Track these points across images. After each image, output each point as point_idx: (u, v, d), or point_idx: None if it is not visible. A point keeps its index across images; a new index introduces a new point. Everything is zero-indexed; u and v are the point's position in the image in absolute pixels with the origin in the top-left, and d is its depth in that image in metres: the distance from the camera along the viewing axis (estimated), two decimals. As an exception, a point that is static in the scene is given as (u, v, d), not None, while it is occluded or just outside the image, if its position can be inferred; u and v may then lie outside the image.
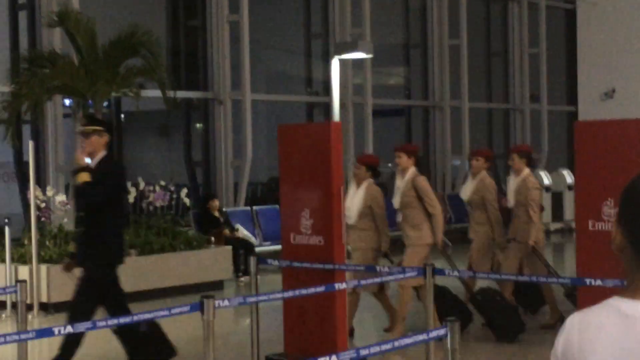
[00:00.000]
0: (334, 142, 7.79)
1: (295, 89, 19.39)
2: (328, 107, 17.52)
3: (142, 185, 12.85)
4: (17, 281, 6.60)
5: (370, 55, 16.27)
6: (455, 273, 7.96)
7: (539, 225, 9.60)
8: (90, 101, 12.58)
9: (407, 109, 20.88)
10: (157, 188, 12.73)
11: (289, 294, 7.19)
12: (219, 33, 16.25)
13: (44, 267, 11.16)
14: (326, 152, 7.77)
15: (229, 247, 13.17)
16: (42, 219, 11.57)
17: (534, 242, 9.42)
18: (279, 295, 7.57)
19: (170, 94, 12.95)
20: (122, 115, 20.65)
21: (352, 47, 15.79)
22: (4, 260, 11.19)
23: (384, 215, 9.20)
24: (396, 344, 4.99)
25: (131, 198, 12.57)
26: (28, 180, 11.44)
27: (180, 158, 17.81)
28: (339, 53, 16.04)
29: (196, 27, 17.20)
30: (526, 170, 9.67)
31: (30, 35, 14.48)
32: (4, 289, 8.34)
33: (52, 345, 9.25)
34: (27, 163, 11.89)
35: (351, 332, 9.06)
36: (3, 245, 11.25)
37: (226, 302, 6.21)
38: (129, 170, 19.81)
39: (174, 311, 5.86)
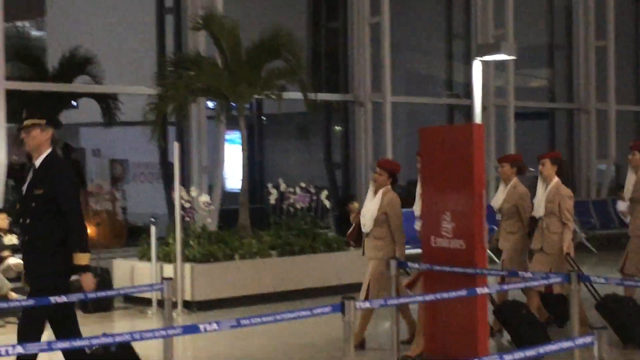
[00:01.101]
0: (476, 144, 7.66)
1: (436, 91, 19.24)
2: (469, 109, 17.32)
3: (283, 186, 12.98)
4: (163, 279, 6.73)
5: (513, 57, 15.99)
6: (602, 280, 7.70)
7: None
8: (233, 103, 12.79)
9: (551, 112, 20.45)
10: (298, 190, 12.82)
11: (430, 297, 7.11)
12: (360, 35, 16.27)
13: (188, 266, 11.39)
14: (468, 154, 7.66)
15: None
16: (186, 218, 11.81)
17: (567, 250, 8.96)
18: (420, 298, 7.50)
19: (312, 96, 13.03)
20: (264, 118, 20.98)
21: (495, 49, 15.54)
22: (149, 259, 11.48)
23: (400, 223, 8.72)
24: (540, 350, 4.86)
25: (272, 199, 12.70)
26: (173, 181, 11.70)
27: (320, 160, 17.92)
28: (481, 55, 15.82)
29: (337, 28, 17.26)
30: (556, 178, 9.12)
31: (176, 38, 14.82)
32: (150, 286, 8.54)
33: (195, 342, 9.45)
34: (171, 164, 12.16)
35: (362, 344, 8.85)
36: (149, 244, 11.54)
37: (367, 304, 6.18)
38: (270, 172, 20.11)
39: (315, 311, 5.86)
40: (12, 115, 12.58)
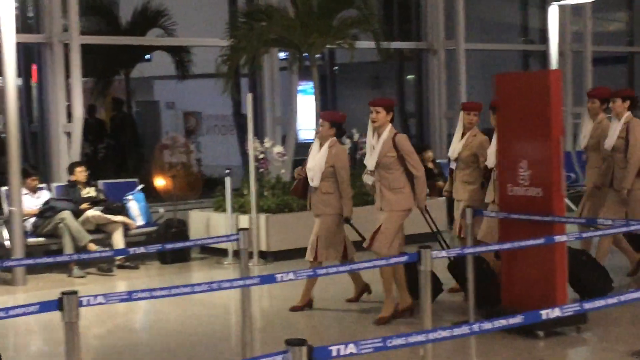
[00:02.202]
0: (553, 91, 7.51)
1: (510, 38, 18.92)
2: (544, 55, 17.01)
3: (356, 136, 12.94)
4: (238, 229, 6.78)
5: (590, 0, 15.61)
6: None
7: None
8: (305, 54, 12.74)
9: (630, 56, 19.98)
10: (371, 139, 12.75)
11: (507, 245, 7.03)
12: (432, -18, 16.04)
13: (262, 217, 11.47)
14: (545, 101, 7.51)
15: (443, 199, 13.06)
16: (261, 170, 11.86)
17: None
18: (496, 247, 7.43)
19: (384, 44, 12.91)
20: (336, 67, 20.89)
21: (571, -8, 15.19)
22: (225, 210, 11.58)
23: (348, 177, 8.48)
24: (622, 298, 4.77)
25: (346, 149, 12.66)
26: (246, 133, 11.75)
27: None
28: (557, -1, 15.48)
29: (409, -24, 17.04)
30: (627, 113, 9.08)
31: (247, -11, 14.77)
32: (226, 236, 8.61)
33: (271, 291, 9.53)
34: (245, 115, 12.20)
35: (310, 303, 8.75)
36: (224, 196, 11.63)
37: (443, 253, 6.14)
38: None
39: (392, 261, 5.85)
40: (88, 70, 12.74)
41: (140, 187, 12.18)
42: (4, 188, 11.06)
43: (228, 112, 18.03)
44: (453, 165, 9.31)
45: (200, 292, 5.28)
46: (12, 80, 10.61)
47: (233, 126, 18.17)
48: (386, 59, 13.34)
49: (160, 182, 12.44)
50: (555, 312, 4.26)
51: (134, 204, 11.95)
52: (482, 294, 7.65)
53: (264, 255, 11.41)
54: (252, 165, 11.48)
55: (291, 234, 11.40)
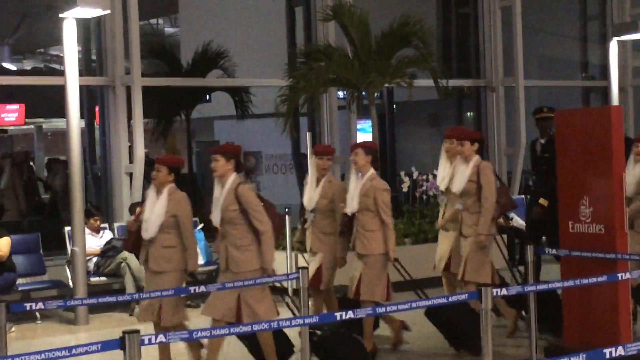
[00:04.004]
0: (615, 127, 7.46)
1: (570, 74, 18.79)
2: (605, 91, 16.87)
3: (415, 174, 12.93)
4: (298, 268, 6.80)
5: (650, 36, 15.46)
6: None
7: None
8: (363, 92, 12.80)
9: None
10: (430, 177, 12.75)
11: (569, 283, 6.95)
12: (491, 19, 16.01)
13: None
14: (607, 137, 7.46)
15: (503, 236, 12.94)
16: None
17: None
18: (559, 285, 7.35)
19: (443, 82, 12.92)
20: (394, 106, 20.93)
21: (632, 28, 15.06)
22: (285, 248, 11.60)
23: (191, 227, 7.61)
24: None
25: (405, 187, 12.67)
26: (305, 171, 11.78)
27: (452, 147, 17.74)
28: (618, 34, 15.36)
29: (467, 14, 17.05)
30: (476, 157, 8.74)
31: (306, 30, 14.91)
32: (286, 275, 8.62)
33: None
34: (304, 154, 12.25)
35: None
36: (284, 234, 11.65)
37: (504, 291, 6.08)
38: (402, 160, 20.03)
39: (452, 299, 5.82)
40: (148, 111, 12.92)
41: (200, 226, 12.27)
42: (68, 228, 11.24)
43: (287, 151, 18.13)
44: (308, 215, 8.76)
45: (259, 330, 5.30)
46: (75, 122, 10.81)
47: (292, 165, 18.27)
48: (444, 97, 13.33)
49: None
50: (619, 351, 4.20)
51: (195, 243, 12.02)
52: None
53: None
54: (311, 204, 11.49)
55: (351, 271, 11.35)
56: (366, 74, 12.33)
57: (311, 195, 8.64)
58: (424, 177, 12.78)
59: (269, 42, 18.31)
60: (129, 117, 12.40)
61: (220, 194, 7.37)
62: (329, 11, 12.91)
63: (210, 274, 11.88)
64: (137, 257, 8.02)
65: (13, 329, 10.24)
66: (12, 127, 25.35)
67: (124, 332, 4.51)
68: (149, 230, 7.52)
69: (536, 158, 10.53)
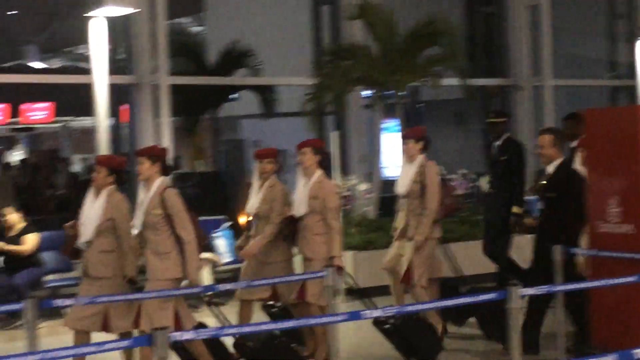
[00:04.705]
0: (643, 126, 7.42)
1: (597, 73, 18.70)
2: (633, 90, 16.77)
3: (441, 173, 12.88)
4: (325, 267, 6.81)
5: (679, 34, 15.39)
6: None
7: None
8: (389, 91, 12.79)
9: None
10: (457, 176, 12.72)
11: (597, 283, 6.93)
12: (517, 18, 15.95)
13: (349, 254, 11.46)
14: (635, 136, 7.42)
15: (529, 236, 12.89)
16: (346, 207, 11.88)
17: None
18: (586, 285, 7.32)
19: (469, 81, 12.88)
20: (420, 105, 20.89)
21: (660, 27, 14.99)
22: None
23: (129, 231, 7.27)
24: None
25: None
26: (331, 170, 11.80)
27: (478, 146, 17.70)
28: (645, 33, 15.27)
29: (493, 13, 16.99)
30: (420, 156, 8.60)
31: (332, 29, 14.93)
32: (313, 273, 8.60)
33: (359, 328, 9.52)
34: (330, 153, 12.26)
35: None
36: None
37: (531, 291, 6.07)
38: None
39: (477, 298, 5.82)
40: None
41: (228, 224, 12.30)
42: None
43: (314, 150, 18.10)
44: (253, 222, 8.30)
45: (284, 328, 5.32)
46: (103, 120, 10.89)
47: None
48: (470, 96, 13.30)
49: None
50: (650, 352, 4.19)
51: (222, 241, 12.06)
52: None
53: (351, 292, 11.39)
54: (337, 202, 11.51)
55: (377, 271, 11.36)
56: (392, 73, 12.33)
57: (253, 200, 8.16)
58: (452, 176, 12.74)
59: (295, 41, 18.33)
60: (156, 115, 12.46)
61: (145, 197, 7.16)
62: (355, 10, 12.91)
63: (237, 271, 11.89)
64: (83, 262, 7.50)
65: (42, 324, 10.31)
66: (38, 125, 25.52)
67: (153, 329, 4.54)
68: (85, 233, 7.22)
69: (492, 162, 10.15)
